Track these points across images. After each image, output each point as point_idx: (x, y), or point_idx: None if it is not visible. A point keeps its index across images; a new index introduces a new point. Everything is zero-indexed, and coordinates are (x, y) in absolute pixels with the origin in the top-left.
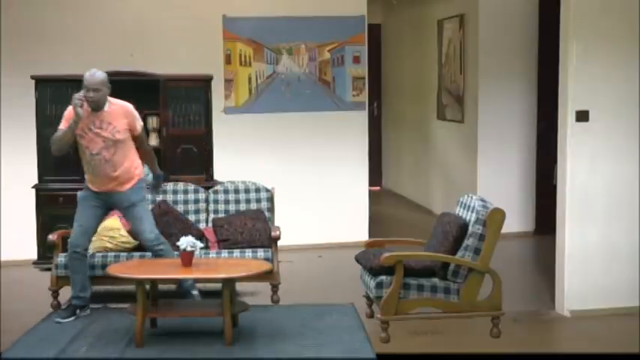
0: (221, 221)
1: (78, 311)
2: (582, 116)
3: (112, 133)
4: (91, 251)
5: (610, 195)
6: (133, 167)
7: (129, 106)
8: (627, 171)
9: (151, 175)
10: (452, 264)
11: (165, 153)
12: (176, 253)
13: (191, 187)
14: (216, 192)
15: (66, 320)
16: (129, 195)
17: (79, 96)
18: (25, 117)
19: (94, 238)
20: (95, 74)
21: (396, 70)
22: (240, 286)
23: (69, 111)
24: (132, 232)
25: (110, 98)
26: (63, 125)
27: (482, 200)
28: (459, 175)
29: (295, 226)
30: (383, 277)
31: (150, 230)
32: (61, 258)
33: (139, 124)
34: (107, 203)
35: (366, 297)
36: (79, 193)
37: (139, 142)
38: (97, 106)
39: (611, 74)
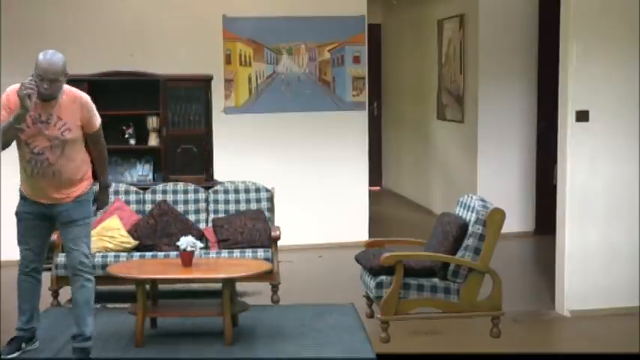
0: (221, 221)
1: (24, 345)
2: (582, 116)
3: (61, 131)
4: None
5: (610, 195)
6: (80, 174)
7: (85, 98)
8: (627, 171)
9: (96, 187)
10: (452, 264)
11: (166, 153)
12: (176, 253)
13: (191, 187)
14: (216, 192)
15: (11, 356)
16: (70, 211)
17: (29, 84)
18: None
19: (93, 238)
20: (53, 60)
21: (396, 70)
22: (240, 286)
23: (8, 98)
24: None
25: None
26: (1, 115)
27: (483, 200)
28: (459, 175)
29: (295, 226)
30: (383, 277)
31: (85, 254)
32: (61, 258)
33: (97, 120)
34: (48, 215)
35: (366, 297)
36: (17, 208)
37: (93, 140)
38: (50, 98)
39: (611, 74)
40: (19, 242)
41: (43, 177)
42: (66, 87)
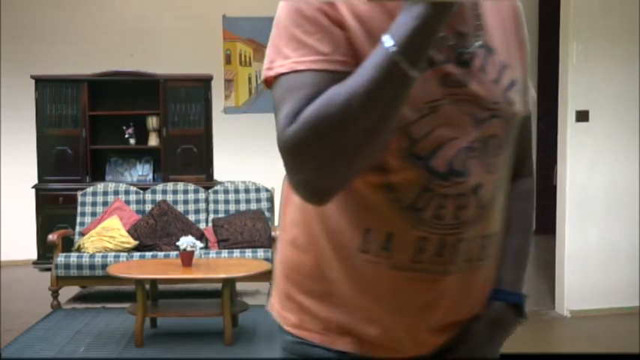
0: (221, 221)
1: None
2: (582, 116)
3: (505, 89)
4: (90, 251)
5: (610, 195)
6: None
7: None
8: (627, 171)
9: None
10: None
11: (165, 153)
12: (176, 253)
13: (191, 187)
14: (216, 192)
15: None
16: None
17: None
18: (25, 117)
19: (92, 238)
20: None
21: None
22: (240, 286)
23: (328, 12)
24: None
25: None
26: (312, 63)
27: None
28: None
29: None
30: None
31: None
32: (60, 258)
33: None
34: None
35: None
36: None
37: (524, 139)
38: None
39: (611, 74)
40: None
41: (462, 243)
42: None
